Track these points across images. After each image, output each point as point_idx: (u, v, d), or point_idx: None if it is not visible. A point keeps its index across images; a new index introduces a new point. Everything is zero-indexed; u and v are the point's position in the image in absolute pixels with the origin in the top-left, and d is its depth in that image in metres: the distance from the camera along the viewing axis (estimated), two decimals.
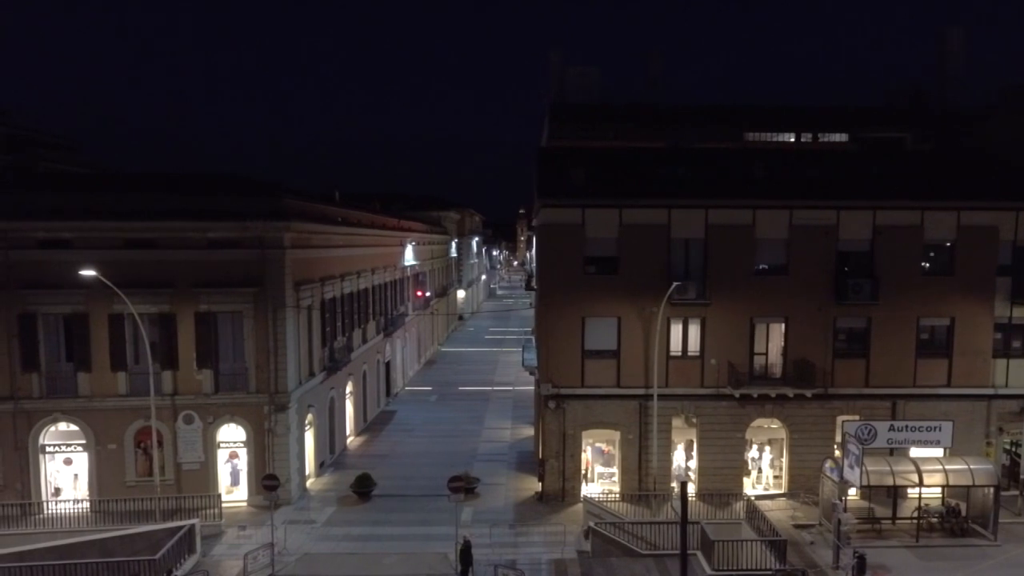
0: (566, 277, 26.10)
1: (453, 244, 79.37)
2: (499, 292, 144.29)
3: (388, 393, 44.94)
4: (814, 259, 26.16)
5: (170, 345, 25.76)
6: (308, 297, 28.48)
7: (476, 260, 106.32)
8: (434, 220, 72.18)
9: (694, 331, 26.57)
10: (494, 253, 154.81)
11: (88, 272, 22.85)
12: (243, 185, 27.85)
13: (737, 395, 26.04)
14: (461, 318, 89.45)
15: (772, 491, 27.43)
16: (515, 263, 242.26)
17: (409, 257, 50.51)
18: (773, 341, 26.85)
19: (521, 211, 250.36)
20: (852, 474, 22.10)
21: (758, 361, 26.77)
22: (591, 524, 22.48)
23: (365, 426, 38.68)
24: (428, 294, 58.35)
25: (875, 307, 26.08)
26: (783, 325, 26.62)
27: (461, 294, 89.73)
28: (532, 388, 49.18)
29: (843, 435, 23.20)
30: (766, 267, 26.35)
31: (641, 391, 26.39)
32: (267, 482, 22.07)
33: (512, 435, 37.34)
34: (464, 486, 22.15)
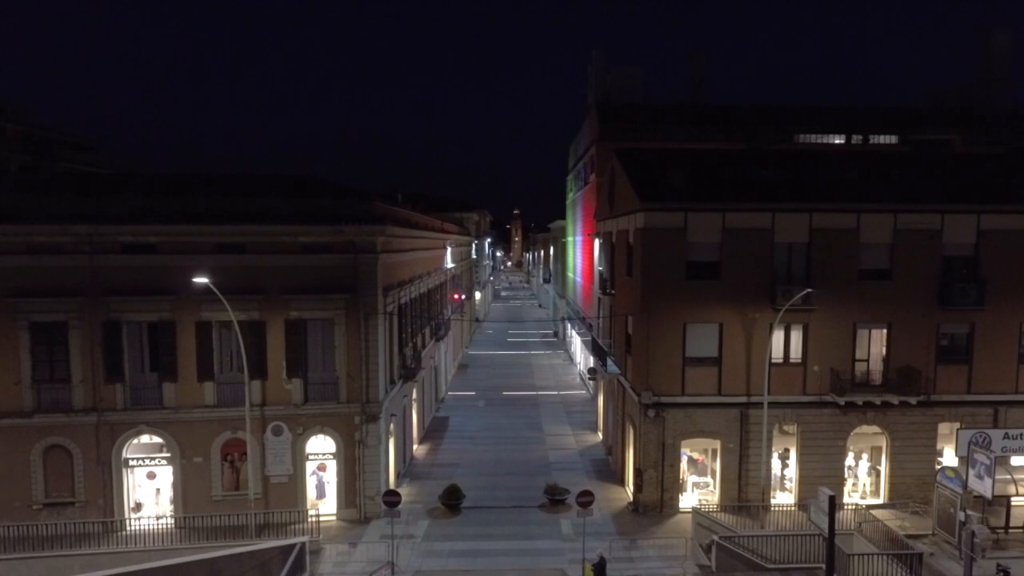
0: (667, 282, 25.40)
1: (474, 246, 78.59)
2: (503, 294, 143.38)
3: (435, 399, 44.04)
4: (918, 264, 25.68)
5: (259, 354, 24.73)
6: (391, 303, 27.60)
7: (488, 262, 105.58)
8: (457, 221, 71.30)
9: (796, 337, 25.99)
10: (498, 255, 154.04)
11: (200, 279, 21.84)
12: (333, 188, 26.96)
13: (842, 402, 25.49)
14: (478, 320, 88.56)
15: (869, 500, 26.90)
16: (509, 264, 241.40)
17: (449, 260, 49.73)
18: (874, 347, 26.33)
19: (516, 211, 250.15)
20: (982, 485, 21.61)
21: (859, 367, 26.21)
22: (715, 538, 21.79)
23: (424, 434, 37.79)
24: (463, 297, 57.53)
25: (980, 312, 25.64)
26: (885, 330, 26.11)
27: (478, 296, 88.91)
28: (579, 393, 48.61)
29: (968, 444, 22.72)
30: (870, 272, 25.79)
31: (743, 399, 25.79)
32: (388, 498, 21.14)
33: (577, 442, 36.58)
34: (589, 500, 21.35)
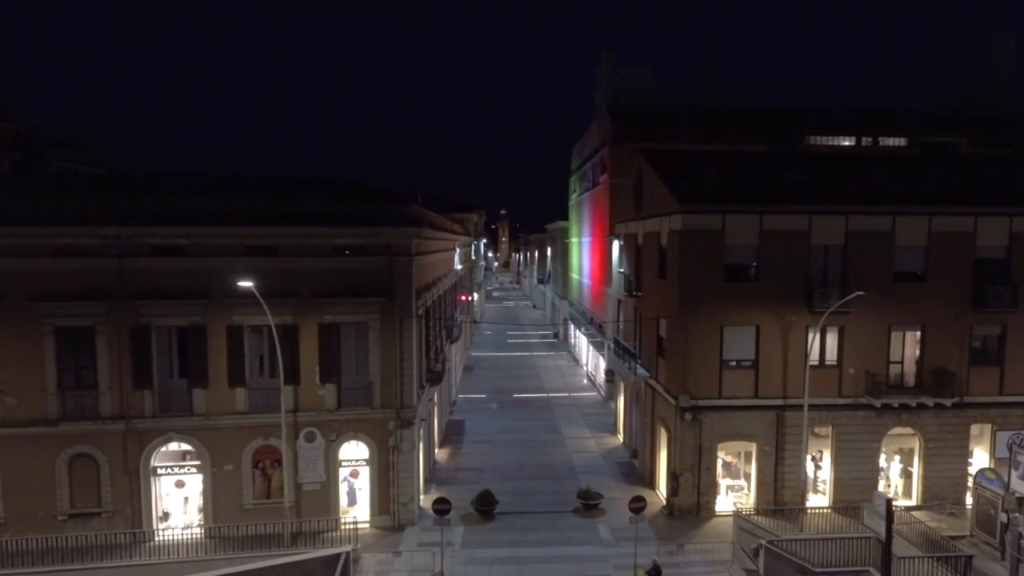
0: (704, 285, 25.22)
1: (473, 246, 78.13)
2: (495, 295, 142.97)
3: (448, 402, 43.59)
4: (951, 266, 25.75)
5: (292, 358, 24.16)
6: (421, 306, 27.16)
7: (483, 263, 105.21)
8: (460, 222, 70.80)
9: (832, 339, 25.96)
10: (489, 255, 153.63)
11: (245, 283, 21.28)
12: (365, 190, 26.50)
13: (878, 404, 25.49)
14: (476, 322, 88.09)
15: (901, 501, 26.92)
16: (497, 264, 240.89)
17: (458, 261, 49.32)
18: (908, 349, 26.37)
19: (503, 212, 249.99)
20: None
21: (893, 369, 26.24)
22: (763, 542, 21.61)
23: (442, 438, 37.35)
24: (468, 299, 57.11)
25: (1012, 314, 25.76)
26: (919, 332, 26.16)
27: (475, 297, 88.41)
28: (590, 395, 48.36)
29: (1008, 446, 22.78)
30: (904, 274, 25.81)
31: (779, 401, 25.70)
32: (438, 506, 20.74)
33: (597, 445, 36.33)
34: (641, 506, 21.06)
